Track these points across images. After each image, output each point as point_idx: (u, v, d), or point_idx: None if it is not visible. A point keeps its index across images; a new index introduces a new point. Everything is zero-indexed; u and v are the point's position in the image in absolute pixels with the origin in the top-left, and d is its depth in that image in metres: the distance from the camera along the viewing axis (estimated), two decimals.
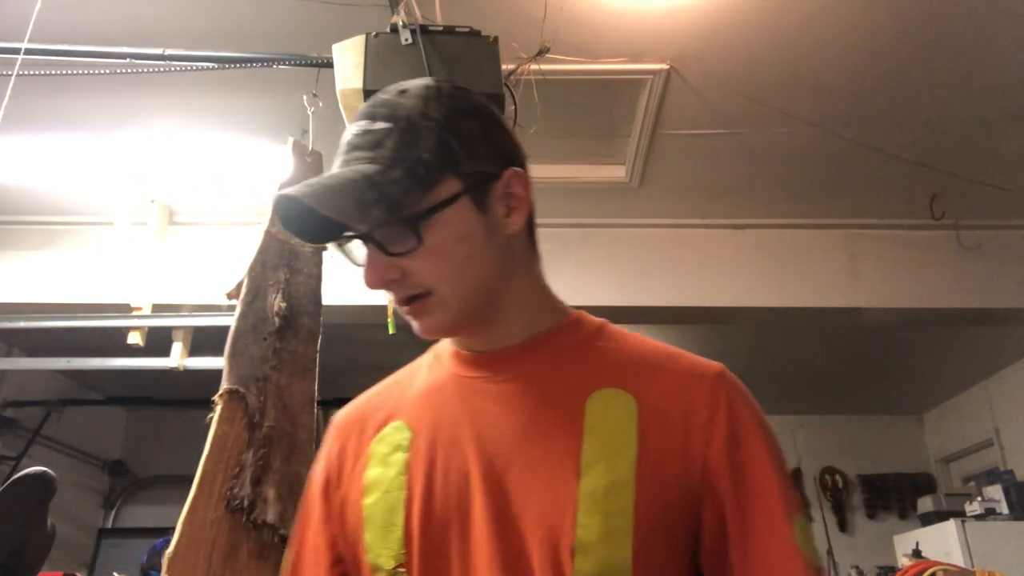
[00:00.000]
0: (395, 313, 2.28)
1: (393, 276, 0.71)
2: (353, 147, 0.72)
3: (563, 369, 0.77)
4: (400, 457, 0.76)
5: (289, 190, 0.69)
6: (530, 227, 0.80)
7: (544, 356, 0.77)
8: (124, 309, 3.35)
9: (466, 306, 0.73)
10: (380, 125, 0.72)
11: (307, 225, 0.71)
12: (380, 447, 0.78)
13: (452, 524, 0.71)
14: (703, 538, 0.70)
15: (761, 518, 0.69)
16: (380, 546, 0.72)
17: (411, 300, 0.73)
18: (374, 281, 0.71)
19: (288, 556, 0.83)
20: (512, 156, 0.77)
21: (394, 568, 0.71)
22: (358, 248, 0.74)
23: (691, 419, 0.71)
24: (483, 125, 0.75)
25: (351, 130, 0.74)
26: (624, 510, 0.67)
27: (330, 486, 0.81)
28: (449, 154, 0.71)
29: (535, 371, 0.76)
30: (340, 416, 0.86)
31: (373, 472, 0.76)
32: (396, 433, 0.78)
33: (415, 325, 0.75)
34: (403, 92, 0.74)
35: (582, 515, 0.67)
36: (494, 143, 0.76)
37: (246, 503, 1.71)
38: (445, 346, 0.83)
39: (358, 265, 0.73)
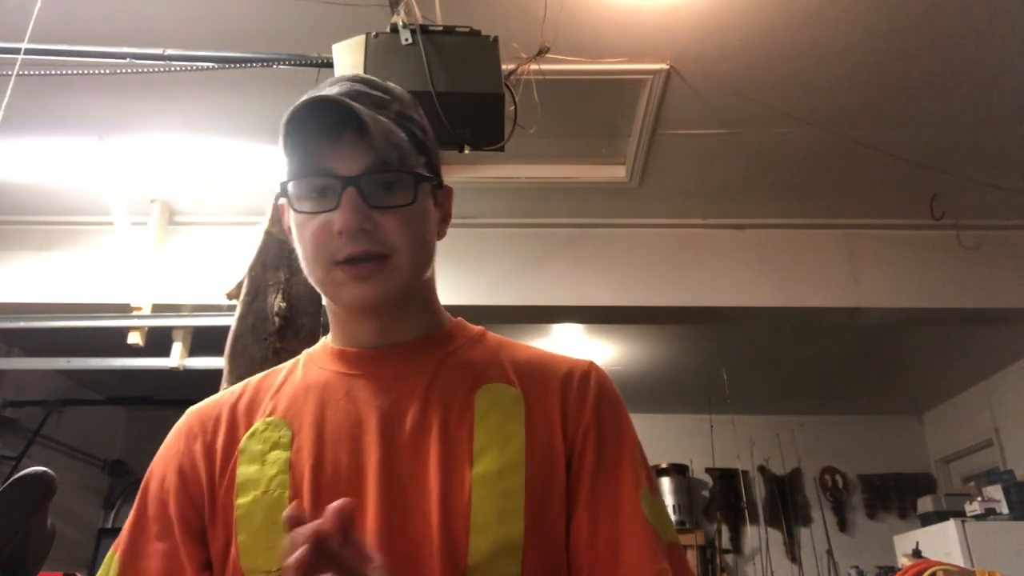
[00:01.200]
0: None
1: (368, 226, 0.72)
2: (357, 94, 0.75)
3: (450, 367, 0.79)
4: (280, 455, 0.73)
5: (328, 91, 0.73)
6: None
7: (431, 355, 0.80)
8: (124, 309, 3.35)
9: (410, 281, 0.76)
10: (379, 93, 0.77)
11: (311, 131, 0.73)
12: (253, 444, 0.75)
13: None
14: (568, 508, 0.74)
15: (614, 483, 0.74)
16: (259, 548, 0.69)
17: (367, 260, 0.73)
18: (352, 224, 0.71)
19: (111, 564, 0.74)
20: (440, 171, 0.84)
21: (276, 570, 0.67)
22: (303, 192, 0.75)
23: (566, 404, 0.77)
24: (435, 144, 0.83)
25: (345, 81, 0.77)
26: (516, 491, 0.70)
27: (189, 485, 0.75)
28: (427, 144, 0.80)
29: (423, 368, 0.78)
30: (196, 410, 0.82)
31: (247, 470, 0.73)
32: (272, 430, 0.76)
33: (356, 291, 0.73)
34: (387, 86, 0.80)
35: (476, 498, 0.69)
36: (439, 162, 0.83)
37: None
38: (319, 349, 0.85)
39: (301, 209, 0.75)
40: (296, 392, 0.79)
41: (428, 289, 0.83)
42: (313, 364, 0.83)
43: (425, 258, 0.78)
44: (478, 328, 0.86)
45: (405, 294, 0.77)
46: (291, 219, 0.79)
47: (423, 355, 0.80)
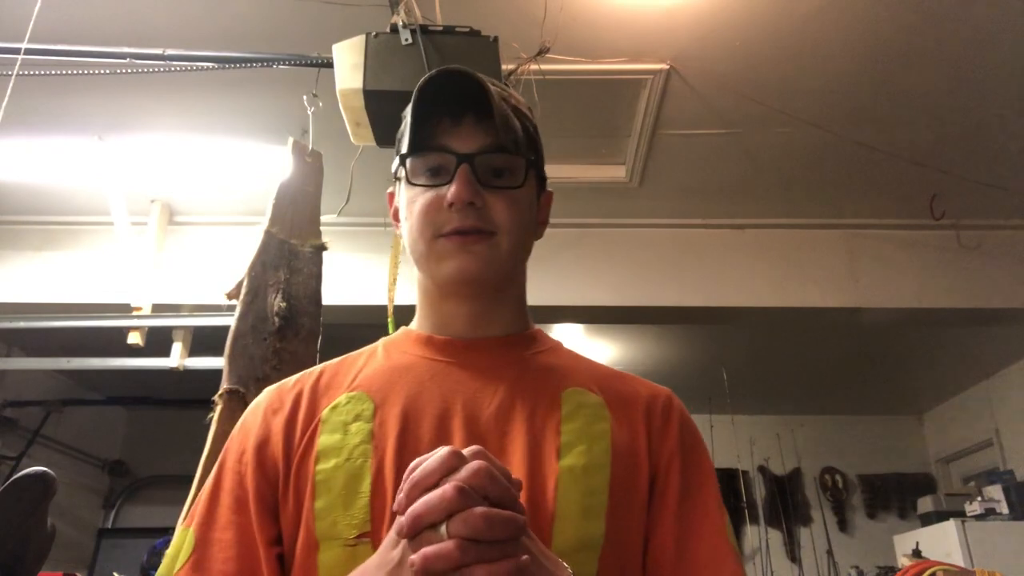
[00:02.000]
0: (395, 313, 2.29)
1: (478, 201, 0.76)
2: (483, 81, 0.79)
3: (535, 366, 0.81)
4: (363, 426, 0.74)
5: (456, 67, 0.77)
6: None
7: (516, 353, 0.82)
8: (124, 309, 3.35)
9: (508, 264, 0.79)
10: (499, 88, 0.82)
11: (426, 111, 0.77)
12: (335, 415, 0.75)
13: None
14: (647, 521, 0.75)
15: (702, 507, 0.76)
16: (336, 514, 0.69)
17: (473, 232, 0.76)
18: (464, 195, 0.75)
19: (186, 539, 0.74)
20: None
21: (355, 537, 0.67)
22: (416, 167, 0.79)
23: (651, 422, 0.79)
24: (542, 150, 0.88)
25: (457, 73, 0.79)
26: (600, 490, 0.71)
27: (266, 459, 0.75)
28: (536, 144, 0.85)
29: (509, 363, 0.80)
30: (276, 387, 0.82)
31: (328, 439, 0.73)
32: (354, 403, 0.76)
33: (457, 262, 0.76)
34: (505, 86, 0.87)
35: (562, 489, 0.70)
36: (543, 161, 0.88)
37: None
38: (399, 336, 0.86)
39: (418, 183, 0.78)
40: (379, 371, 0.80)
41: (520, 287, 0.86)
42: (395, 348, 0.83)
43: (525, 247, 0.82)
44: (555, 339, 0.88)
45: (501, 278, 0.80)
46: (400, 197, 0.83)
47: (510, 352, 0.82)
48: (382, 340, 0.87)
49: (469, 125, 0.78)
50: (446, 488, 0.55)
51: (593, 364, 0.86)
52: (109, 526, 5.54)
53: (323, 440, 0.73)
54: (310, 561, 0.69)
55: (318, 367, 0.84)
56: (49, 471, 1.58)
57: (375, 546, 0.65)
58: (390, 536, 0.59)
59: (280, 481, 0.74)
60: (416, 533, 0.56)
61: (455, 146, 0.77)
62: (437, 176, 0.78)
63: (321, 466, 0.72)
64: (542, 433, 0.74)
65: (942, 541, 4.24)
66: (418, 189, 0.78)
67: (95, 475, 5.57)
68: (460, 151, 0.76)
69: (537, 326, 0.89)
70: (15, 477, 1.56)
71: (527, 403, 0.76)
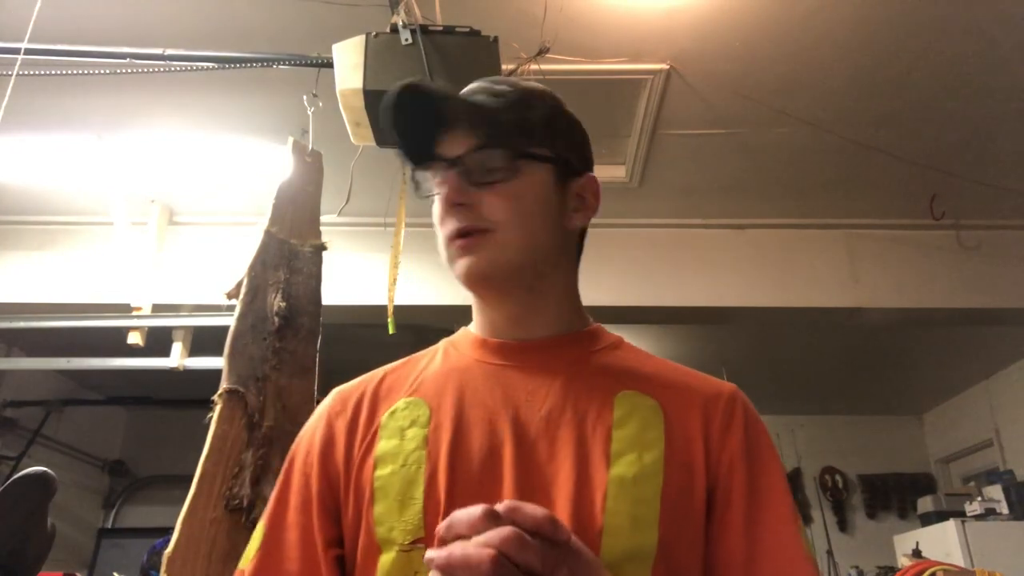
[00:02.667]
0: (395, 313, 2.29)
1: (466, 200, 0.76)
2: (473, 91, 0.81)
3: (589, 367, 0.80)
4: (418, 432, 0.75)
5: (416, 80, 0.77)
6: (582, 237, 0.88)
7: (572, 353, 0.81)
8: (124, 309, 3.35)
9: (516, 258, 0.77)
10: (501, 87, 0.81)
11: (406, 126, 0.77)
12: (393, 421, 0.77)
13: (479, 500, 0.69)
14: (711, 531, 0.73)
15: (773, 514, 0.73)
16: (393, 519, 0.70)
17: (469, 234, 0.76)
18: (453, 199, 0.76)
19: (257, 534, 0.78)
20: (591, 168, 0.87)
21: (410, 543, 0.68)
22: (426, 178, 0.80)
23: (710, 425, 0.76)
24: (579, 131, 0.87)
25: (480, 82, 0.83)
26: (651, 499, 0.69)
27: (328, 462, 0.77)
28: (550, 130, 0.82)
29: (564, 364, 0.79)
30: (340, 390, 0.84)
31: (386, 445, 0.75)
32: (411, 409, 0.77)
33: (463, 263, 0.76)
34: (522, 82, 0.85)
35: (611, 500, 0.68)
36: (583, 149, 0.86)
37: (246, 503, 1.71)
38: (462, 336, 0.86)
39: (423, 194, 0.80)
40: (436, 375, 0.81)
41: (562, 282, 0.84)
42: (454, 350, 0.84)
43: (538, 238, 0.79)
44: (616, 335, 0.87)
45: (517, 271, 0.78)
46: None
47: (563, 352, 0.81)
48: (444, 340, 0.87)
49: (458, 131, 0.78)
50: (483, 556, 0.53)
51: (654, 362, 0.83)
52: (109, 526, 5.54)
53: (381, 446, 0.75)
54: (371, 565, 0.70)
55: (381, 370, 0.85)
56: (49, 471, 1.58)
57: None
58: (432, 572, 0.59)
59: (341, 485, 0.76)
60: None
61: (444, 151, 0.78)
62: (442, 185, 0.79)
63: (379, 472, 0.73)
64: (592, 439, 0.73)
65: (942, 541, 4.24)
66: (434, 199, 0.80)
67: (95, 475, 5.57)
68: (447, 155, 0.77)
69: (597, 323, 0.88)
70: (15, 477, 1.56)
71: (579, 407, 0.75)
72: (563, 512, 0.68)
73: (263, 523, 0.78)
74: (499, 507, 0.57)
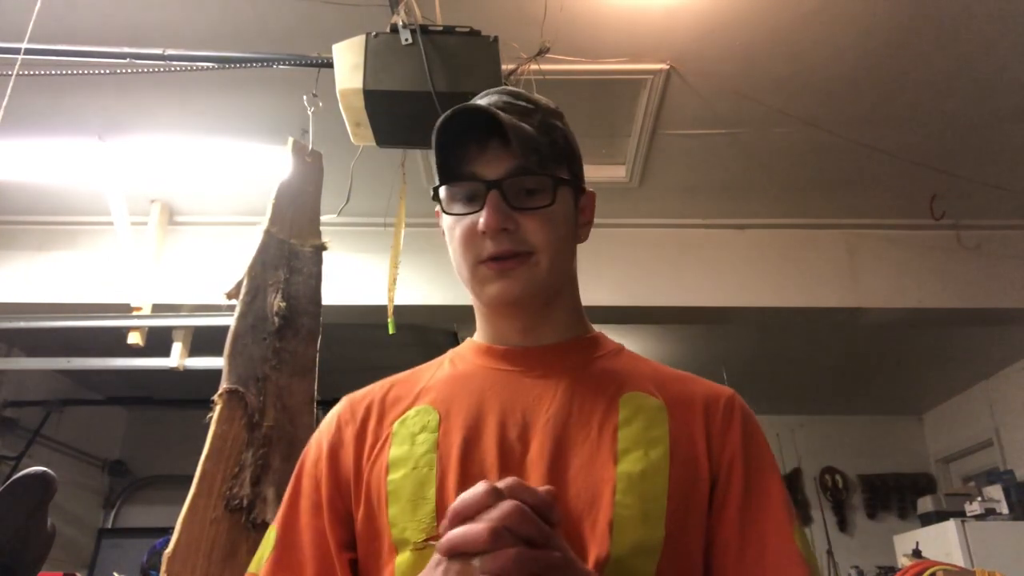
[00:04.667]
0: (395, 313, 2.29)
1: (510, 226, 0.77)
2: (504, 105, 0.81)
3: (594, 371, 0.82)
4: (428, 437, 0.77)
5: (478, 103, 0.79)
6: None
7: (576, 358, 0.83)
8: (124, 309, 3.35)
9: (551, 279, 0.80)
10: (523, 103, 0.83)
11: (457, 141, 0.78)
12: (404, 428, 0.79)
13: None
14: (708, 525, 0.75)
15: (766, 515, 0.75)
16: (407, 520, 0.72)
17: (509, 257, 0.77)
18: (494, 223, 0.76)
19: (269, 537, 0.80)
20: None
21: (424, 541, 0.71)
22: (452, 195, 0.80)
23: (711, 425, 0.78)
24: (579, 151, 0.89)
25: (494, 93, 0.83)
26: (658, 495, 0.71)
27: (338, 468, 0.79)
28: (568, 150, 0.85)
29: (569, 369, 0.81)
30: (351, 397, 0.86)
31: (398, 450, 0.77)
32: (421, 415, 0.79)
33: (497, 287, 0.78)
34: (532, 97, 0.86)
35: (620, 495, 0.70)
36: (582, 168, 0.89)
37: (245, 503, 1.71)
38: (464, 346, 0.88)
39: (451, 211, 0.80)
40: (444, 383, 0.83)
41: (571, 293, 0.87)
42: (460, 359, 0.86)
43: (565, 258, 0.83)
44: (617, 343, 0.89)
45: (547, 293, 0.81)
46: (443, 222, 0.84)
47: (569, 358, 0.83)
48: (450, 351, 0.90)
49: (494, 150, 0.78)
50: (480, 529, 0.57)
51: (655, 366, 0.86)
52: (109, 526, 5.54)
53: (393, 452, 0.77)
54: (389, 566, 0.72)
55: (389, 380, 0.87)
56: (49, 471, 1.58)
57: None
58: (436, 555, 0.62)
59: (352, 490, 0.78)
60: (452, 557, 0.59)
61: (483, 172, 0.78)
62: (471, 203, 0.79)
63: (392, 476, 0.75)
64: (599, 439, 0.75)
65: (942, 541, 4.24)
66: (455, 217, 0.80)
67: (95, 475, 5.57)
68: (488, 178, 0.78)
69: (599, 331, 0.90)
70: (15, 477, 1.56)
71: (584, 409, 0.77)
72: (575, 507, 0.70)
73: (275, 526, 0.80)
74: (501, 484, 0.60)
